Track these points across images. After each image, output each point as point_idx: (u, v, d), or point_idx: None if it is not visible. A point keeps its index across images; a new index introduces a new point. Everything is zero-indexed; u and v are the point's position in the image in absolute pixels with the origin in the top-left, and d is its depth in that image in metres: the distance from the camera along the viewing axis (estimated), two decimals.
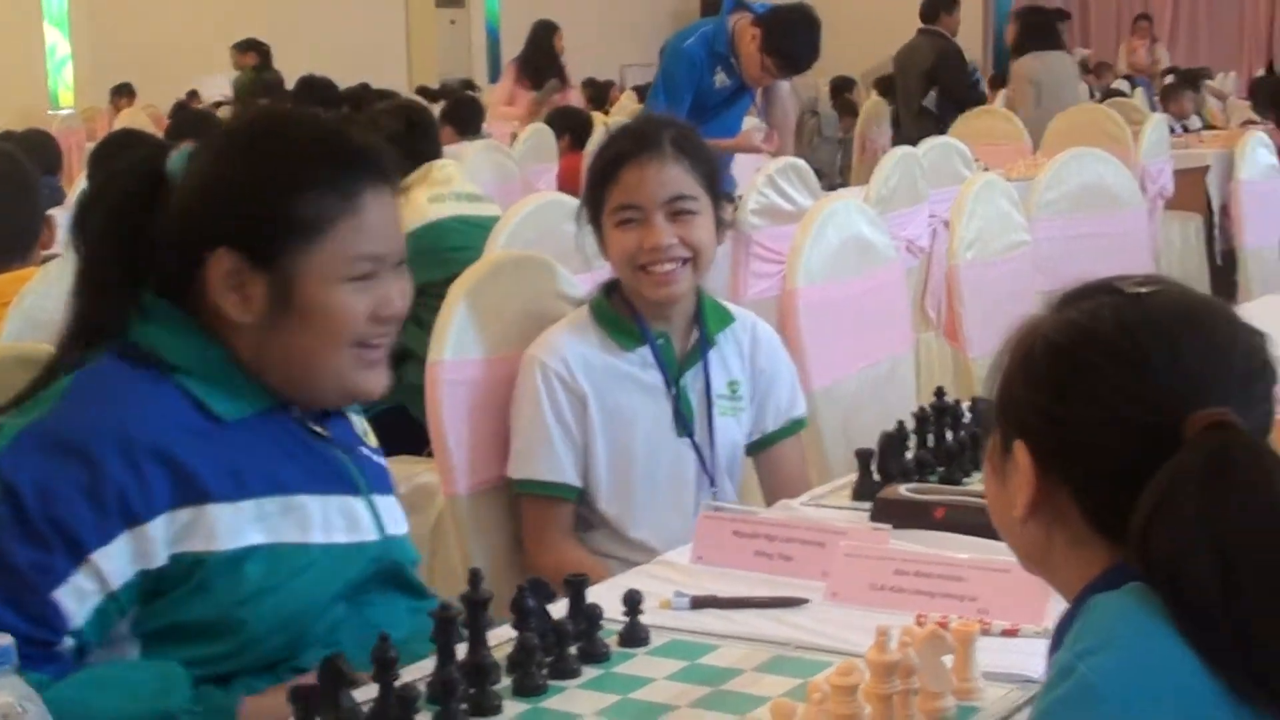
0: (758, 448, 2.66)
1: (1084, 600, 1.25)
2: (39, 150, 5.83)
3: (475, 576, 1.69)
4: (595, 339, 2.52)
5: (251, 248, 1.74)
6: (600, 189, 2.53)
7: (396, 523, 1.91)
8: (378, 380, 1.84)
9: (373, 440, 2.01)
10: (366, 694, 1.54)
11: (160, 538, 1.68)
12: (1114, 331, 1.26)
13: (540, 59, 9.81)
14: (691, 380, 2.56)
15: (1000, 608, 1.78)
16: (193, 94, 13.67)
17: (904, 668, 1.50)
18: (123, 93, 13.87)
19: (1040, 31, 8.08)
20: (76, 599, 1.65)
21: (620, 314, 2.53)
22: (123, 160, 1.85)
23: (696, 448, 2.55)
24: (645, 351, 2.52)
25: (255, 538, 1.73)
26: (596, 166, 2.57)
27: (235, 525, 1.71)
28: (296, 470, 1.79)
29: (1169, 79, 12.73)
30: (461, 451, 2.54)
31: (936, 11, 9.28)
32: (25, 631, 1.58)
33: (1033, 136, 7.78)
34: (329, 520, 1.80)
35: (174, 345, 1.76)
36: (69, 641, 1.66)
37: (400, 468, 3.69)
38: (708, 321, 2.57)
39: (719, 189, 2.58)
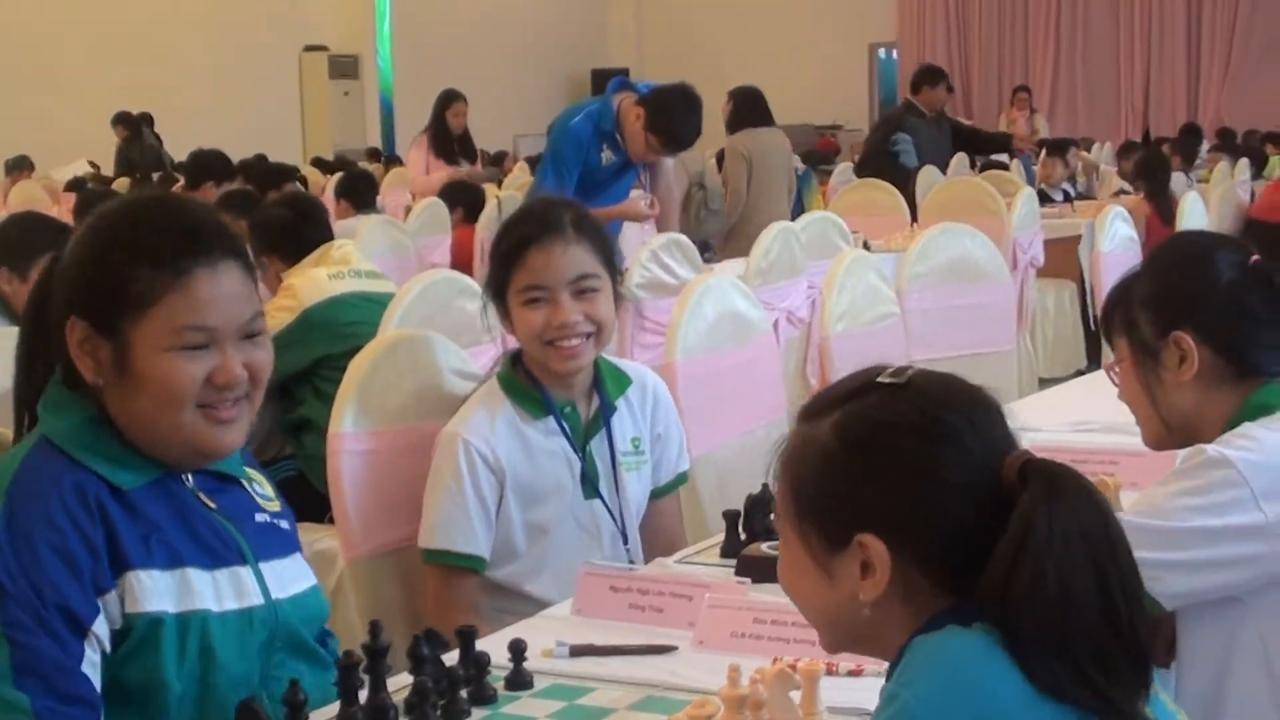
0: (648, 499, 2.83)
1: (909, 642, 1.45)
2: None
3: (375, 627, 1.87)
4: (507, 412, 2.67)
5: (94, 316, 1.91)
6: (506, 269, 2.69)
7: (287, 585, 2.02)
8: (229, 438, 1.96)
9: (272, 499, 2.11)
10: None
11: (115, 601, 1.84)
12: (918, 417, 1.45)
13: (443, 129, 10.01)
14: (597, 445, 2.72)
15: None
16: (20, 168, 13.71)
17: (753, 701, 1.71)
18: (21, 165, 13.87)
19: (752, 109, 8.74)
20: (93, 671, 1.82)
21: (526, 385, 2.70)
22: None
23: (607, 507, 2.72)
24: (549, 421, 2.68)
25: (166, 605, 1.87)
26: (502, 248, 2.71)
27: (152, 590, 1.86)
28: (188, 542, 1.92)
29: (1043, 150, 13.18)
30: (361, 518, 2.70)
31: (918, 86, 10.15)
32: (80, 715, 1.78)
33: (745, 212, 8.25)
34: (220, 589, 1.92)
35: (68, 433, 1.90)
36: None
37: (300, 535, 3.85)
38: (607, 387, 2.74)
39: (615, 265, 2.75)
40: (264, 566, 2.00)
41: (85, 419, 1.92)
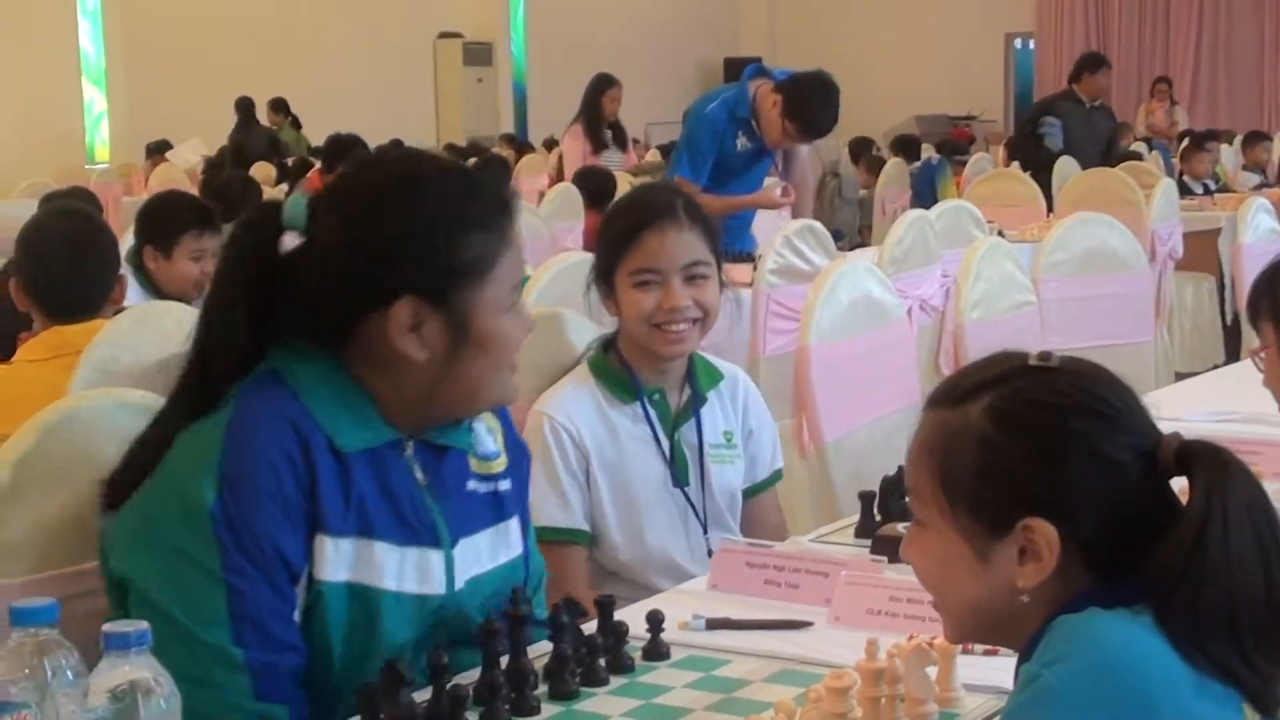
0: (745, 497, 2.86)
1: (1050, 621, 1.45)
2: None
3: (516, 595, 1.91)
4: (595, 394, 2.71)
5: (429, 291, 1.87)
6: (618, 251, 2.73)
7: (475, 564, 2.01)
8: (516, 386, 2.04)
9: (498, 456, 2.08)
10: (422, 695, 1.76)
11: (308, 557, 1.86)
12: (1083, 396, 1.46)
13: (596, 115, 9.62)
14: (686, 435, 2.75)
15: None
16: (160, 151, 13.87)
17: (890, 674, 1.72)
18: (160, 149, 14.18)
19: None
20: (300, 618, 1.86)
21: (616, 369, 2.73)
22: (245, 219, 1.96)
23: (688, 497, 2.74)
24: (638, 406, 2.72)
25: (342, 574, 1.88)
26: (614, 230, 2.76)
27: (334, 558, 1.87)
28: (385, 516, 1.90)
29: (1185, 141, 12.96)
30: None
31: (1079, 73, 10.11)
32: (295, 662, 1.83)
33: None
34: (403, 570, 1.91)
35: (307, 377, 1.88)
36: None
37: None
38: (699, 379, 2.78)
39: (720, 254, 2.78)
40: (459, 548, 1.99)
41: (330, 369, 1.90)
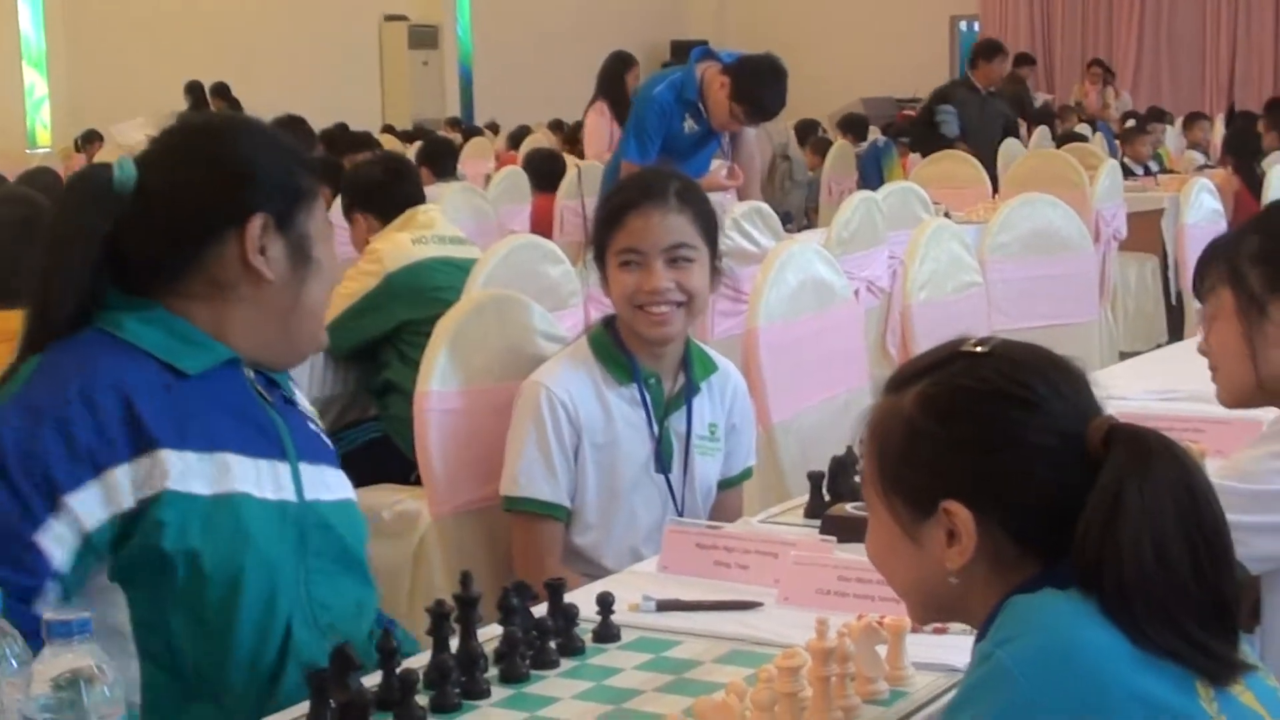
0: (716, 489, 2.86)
1: (1003, 602, 1.47)
2: (47, 191, 5.92)
3: (466, 578, 1.91)
4: (593, 372, 2.70)
5: (277, 211, 2.01)
6: (607, 231, 2.73)
7: (323, 490, 2.07)
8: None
9: (308, 408, 2.20)
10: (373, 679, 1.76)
11: (125, 483, 1.87)
12: (1004, 383, 1.48)
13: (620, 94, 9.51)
14: (675, 422, 2.74)
15: None
16: (90, 142, 13.76)
17: (840, 654, 1.73)
18: (91, 139, 14.00)
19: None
20: (57, 543, 1.84)
21: (615, 350, 2.73)
22: (74, 179, 2.07)
23: (670, 485, 2.74)
24: (635, 389, 2.71)
25: (198, 487, 1.91)
26: (605, 210, 2.77)
27: (184, 471, 1.90)
28: (233, 430, 1.97)
29: (1129, 123, 13.04)
30: (447, 475, 2.74)
31: (975, 60, 10.12)
32: (12, 578, 1.79)
33: None
34: (259, 478, 1.97)
35: (138, 325, 1.96)
36: (53, 585, 1.84)
37: (384, 495, 3.93)
38: (694, 368, 2.77)
39: (716, 239, 2.77)
40: (303, 467, 2.05)
41: (157, 314, 1.98)
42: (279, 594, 1.96)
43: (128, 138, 13.34)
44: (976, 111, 9.80)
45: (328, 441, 2.17)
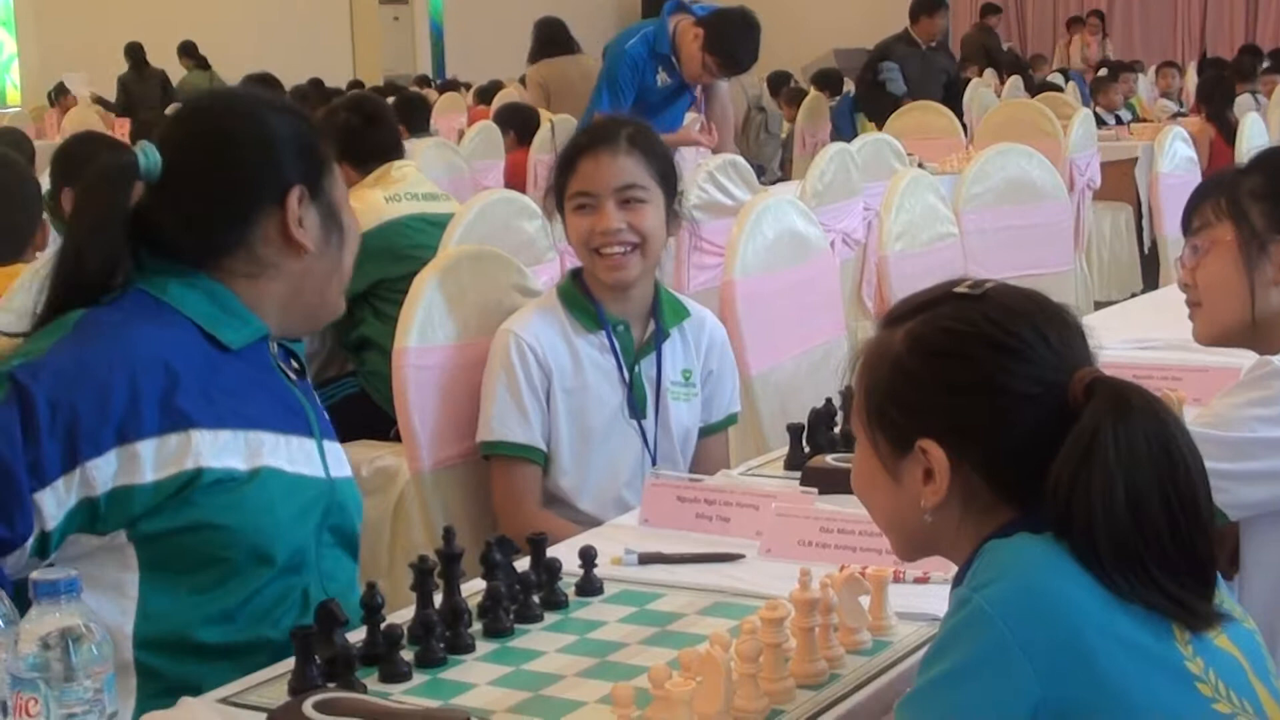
0: (699, 435, 2.87)
1: (980, 547, 1.48)
2: (16, 148, 5.85)
3: (449, 533, 1.91)
4: (561, 320, 2.72)
5: (311, 182, 2.04)
6: (561, 178, 2.75)
7: (340, 466, 2.11)
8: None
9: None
10: (357, 635, 1.76)
11: (148, 457, 1.85)
12: (989, 326, 1.48)
13: None
14: (645, 368, 2.76)
15: None
16: (62, 88, 13.71)
17: (823, 604, 1.73)
18: (63, 92, 13.93)
19: (551, 38, 8.97)
20: (55, 503, 1.82)
21: (582, 298, 2.74)
22: (99, 166, 2.03)
23: (643, 431, 2.76)
24: (603, 335, 2.73)
25: (233, 462, 1.91)
26: (561, 158, 2.78)
27: (218, 450, 1.90)
28: (265, 406, 1.99)
29: (1101, 72, 13.05)
30: (426, 431, 2.74)
31: (916, 16, 9.85)
32: None
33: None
34: (290, 453, 1.99)
35: (182, 291, 1.97)
36: (31, 544, 1.81)
37: (362, 451, 3.92)
38: (664, 314, 2.78)
39: (673, 183, 2.77)
40: (326, 444, 2.08)
41: (201, 281, 1.99)
42: (302, 567, 1.99)
43: (76, 92, 13.33)
44: (918, 67, 9.67)
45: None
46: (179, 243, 2.01)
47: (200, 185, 2.00)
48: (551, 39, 8.80)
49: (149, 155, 1.99)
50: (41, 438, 1.79)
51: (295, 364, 2.13)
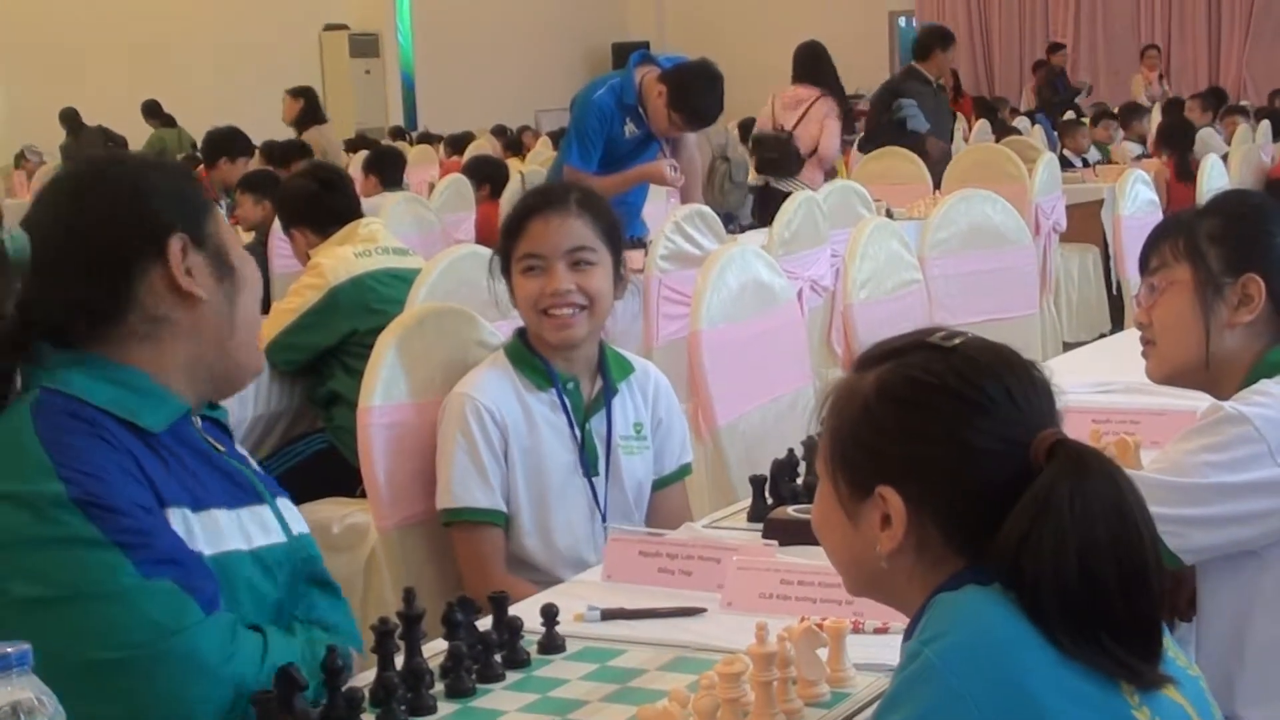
0: (652, 489, 2.87)
1: (930, 600, 1.49)
2: None
3: (410, 594, 1.91)
4: (513, 379, 2.73)
5: (190, 226, 1.95)
6: (509, 240, 2.77)
7: (299, 522, 2.06)
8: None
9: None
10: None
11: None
12: (954, 379, 1.49)
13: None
14: (596, 425, 2.77)
15: (873, 609, 2.00)
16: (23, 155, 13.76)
17: (781, 658, 1.75)
18: (23, 157, 13.94)
19: (315, 108, 9.75)
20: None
21: (531, 357, 2.75)
22: None
23: (593, 487, 2.76)
24: (554, 393, 2.74)
25: (201, 546, 1.86)
26: (507, 221, 2.80)
27: (188, 531, 1.86)
28: (209, 484, 1.92)
29: (1068, 115, 13.15)
30: (392, 489, 2.74)
31: (929, 48, 9.40)
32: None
33: None
34: (245, 528, 1.95)
35: (87, 383, 1.87)
36: None
37: (333, 508, 3.92)
38: (610, 371, 2.79)
39: (619, 245, 2.80)
40: (280, 503, 2.04)
41: (99, 364, 1.90)
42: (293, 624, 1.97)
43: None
44: (933, 105, 9.32)
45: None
46: (72, 323, 1.91)
47: (73, 256, 1.91)
48: (316, 109, 9.63)
49: (15, 240, 1.87)
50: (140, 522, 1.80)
51: (224, 431, 2.06)
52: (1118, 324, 7.81)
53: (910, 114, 9.03)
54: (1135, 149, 11.16)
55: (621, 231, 2.84)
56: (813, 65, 8.81)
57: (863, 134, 10.08)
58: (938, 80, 9.44)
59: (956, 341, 1.52)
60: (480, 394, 2.70)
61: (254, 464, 2.10)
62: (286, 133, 11.22)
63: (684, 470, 2.91)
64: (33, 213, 1.99)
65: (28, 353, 1.90)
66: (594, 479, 2.75)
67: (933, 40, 9.43)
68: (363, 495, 3.49)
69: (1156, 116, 12.68)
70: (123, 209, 1.94)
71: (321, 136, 9.58)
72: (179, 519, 1.85)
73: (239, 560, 1.92)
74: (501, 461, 2.69)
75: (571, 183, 2.87)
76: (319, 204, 4.35)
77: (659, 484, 2.86)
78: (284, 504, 2.06)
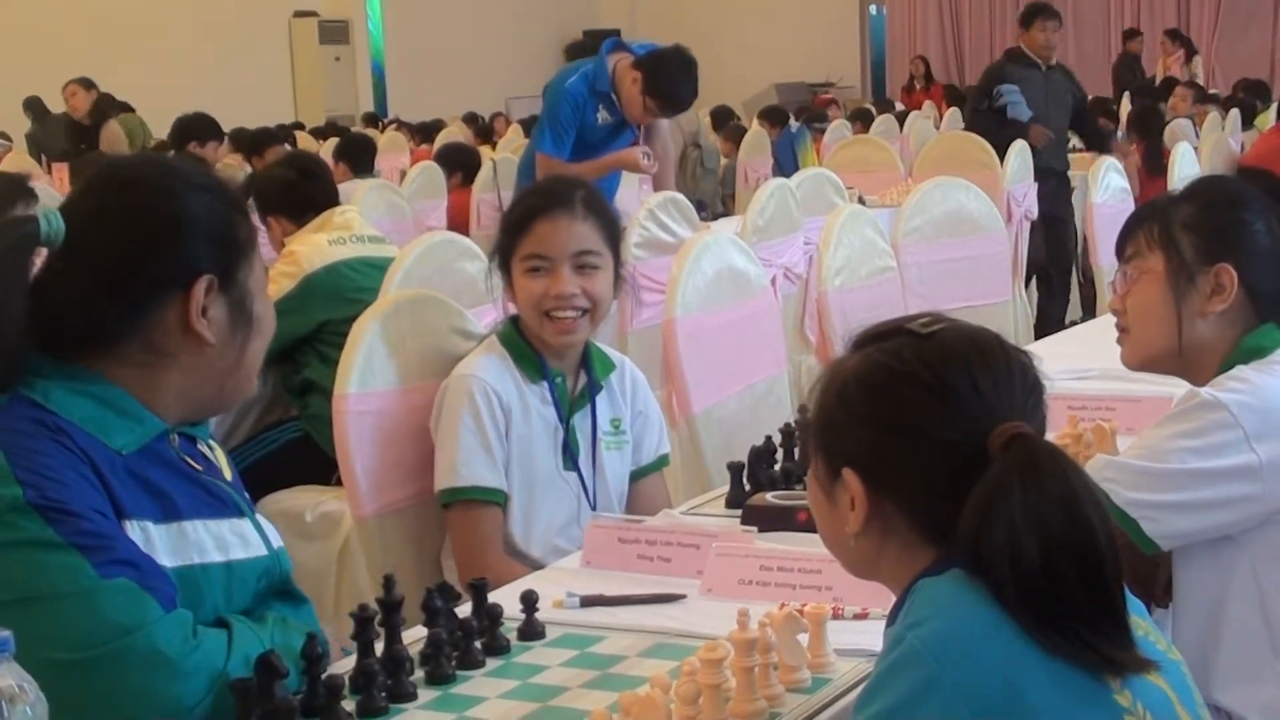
0: (630, 479, 2.87)
1: (913, 585, 1.49)
2: None
3: (389, 581, 1.91)
4: (510, 367, 2.72)
5: (220, 269, 1.90)
6: (513, 237, 2.76)
7: (276, 536, 2.04)
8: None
9: (228, 474, 2.05)
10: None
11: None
12: (919, 368, 1.50)
13: None
14: (580, 420, 2.77)
15: (852, 595, 2.02)
16: None
17: (762, 644, 1.75)
18: None
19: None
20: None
21: (526, 347, 2.74)
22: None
23: (582, 482, 2.76)
24: (544, 387, 2.74)
25: (163, 559, 1.84)
26: (511, 217, 2.80)
27: (147, 543, 1.83)
28: (182, 497, 1.88)
29: None
30: (368, 477, 2.74)
31: (1030, 19, 8.56)
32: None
33: None
34: (223, 540, 1.92)
35: (65, 397, 1.83)
36: None
37: (306, 496, 3.91)
38: (595, 367, 2.80)
39: (619, 247, 2.81)
40: (259, 519, 2.01)
41: (91, 383, 1.86)
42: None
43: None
44: (1039, 89, 8.35)
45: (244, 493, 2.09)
46: (69, 321, 1.86)
47: (101, 263, 1.87)
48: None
49: (51, 222, 1.85)
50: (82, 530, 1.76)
51: (202, 448, 2.00)
52: (1089, 311, 7.84)
53: (1011, 100, 8.23)
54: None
55: (621, 232, 2.84)
56: None
57: (966, 125, 8.99)
58: (1045, 61, 8.46)
59: (935, 328, 1.53)
60: (485, 375, 2.69)
61: (228, 477, 2.04)
62: (257, 120, 11.23)
63: (662, 461, 2.92)
64: (77, 202, 1.93)
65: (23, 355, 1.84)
66: (580, 473, 2.75)
67: (1033, 10, 8.56)
68: (338, 484, 3.49)
69: (1127, 105, 12.72)
70: (165, 238, 1.89)
71: (113, 133, 9.18)
72: (137, 531, 1.82)
73: (212, 571, 1.88)
74: (504, 443, 2.68)
75: (576, 181, 2.85)
76: (297, 193, 4.34)
77: (637, 474, 2.86)
78: (262, 521, 2.02)
